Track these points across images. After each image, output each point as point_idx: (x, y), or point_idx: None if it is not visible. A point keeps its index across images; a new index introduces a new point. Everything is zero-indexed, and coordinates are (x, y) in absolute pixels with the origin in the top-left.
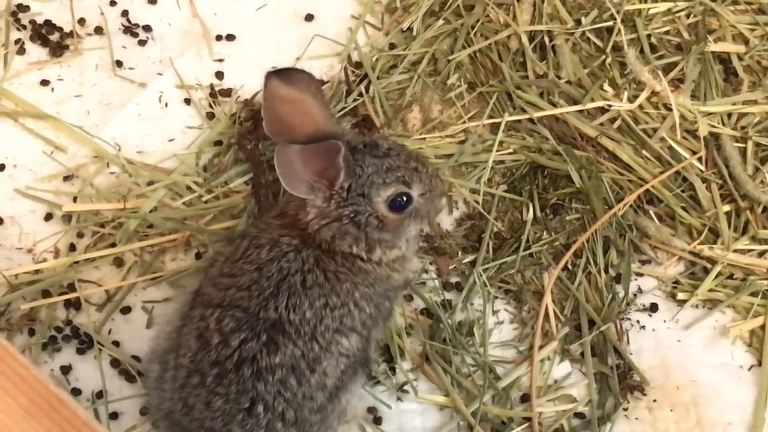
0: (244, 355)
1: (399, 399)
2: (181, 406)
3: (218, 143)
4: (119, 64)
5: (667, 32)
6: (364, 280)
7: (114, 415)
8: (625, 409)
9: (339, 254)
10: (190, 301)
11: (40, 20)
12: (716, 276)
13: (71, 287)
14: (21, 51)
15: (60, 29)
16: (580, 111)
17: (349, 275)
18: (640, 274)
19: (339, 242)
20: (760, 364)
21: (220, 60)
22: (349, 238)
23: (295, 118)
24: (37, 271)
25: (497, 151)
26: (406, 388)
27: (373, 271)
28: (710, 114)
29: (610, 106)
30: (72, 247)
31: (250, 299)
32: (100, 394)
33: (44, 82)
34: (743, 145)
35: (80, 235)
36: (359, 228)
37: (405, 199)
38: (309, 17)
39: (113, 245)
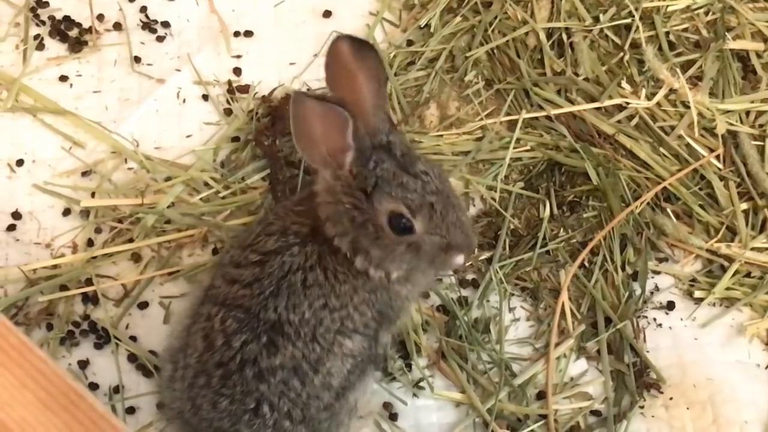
0: (246, 356)
1: (415, 395)
2: (190, 406)
3: (236, 139)
4: (137, 60)
5: (685, 30)
6: (364, 285)
7: (131, 410)
8: (642, 407)
9: (341, 252)
10: (202, 296)
11: (59, 16)
12: (733, 274)
13: (89, 282)
14: (40, 47)
15: (79, 25)
16: (597, 108)
17: (348, 277)
18: (657, 272)
19: (329, 227)
20: None
21: (238, 56)
22: (339, 228)
23: (345, 89)
24: (55, 266)
25: (514, 148)
26: (421, 384)
27: (372, 279)
28: (728, 112)
29: (627, 103)
30: (90, 243)
31: (252, 298)
32: (117, 389)
33: (63, 78)
34: (761, 143)
35: (98, 231)
36: (352, 223)
37: (406, 224)
38: (327, 13)
39: (131, 240)
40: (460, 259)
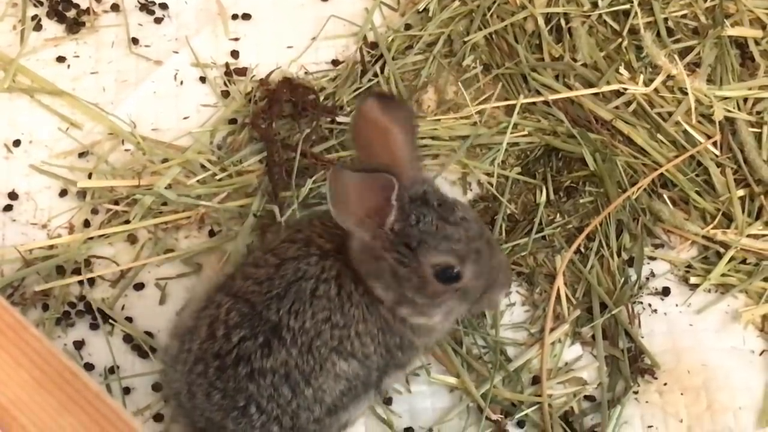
0: (242, 353)
1: (407, 381)
2: (186, 390)
3: (233, 122)
4: (135, 41)
5: (684, 16)
6: (377, 321)
7: (126, 390)
8: (636, 393)
9: (365, 283)
10: (220, 284)
11: None
12: (729, 260)
13: (86, 263)
14: (38, 27)
15: (77, 6)
16: (595, 94)
17: (362, 306)
18: (653, 258)
19: (372, 283)
20: None
21: (236, 39)
22: (382, 283)
23: (377, 147)
24: (51, 247)
25: (512, 133)
26: (416, 370)
27: (391, 321)
28: (726, 98)
29: (625, 89)
30: (86, 223)
31: (260, 295)
32: (112, 370)
33: (60, 59)
34: (759, 130)
35: (95, 212)
36: (395, 278)
37: (455, 274)
38: None
39: (127, 222)
40: (501, 297)
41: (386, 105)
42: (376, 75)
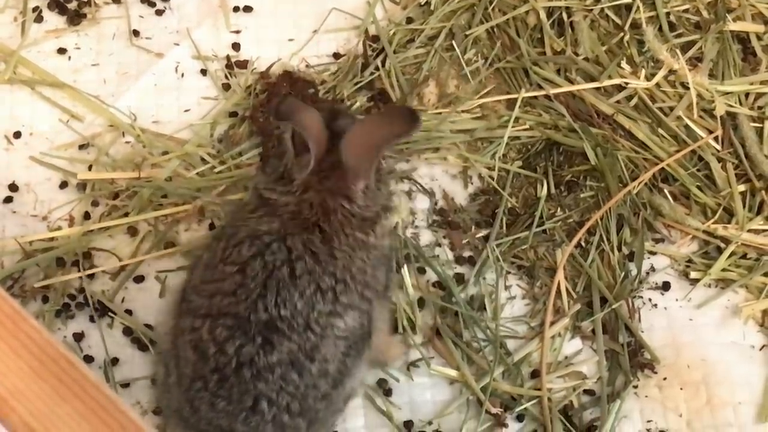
0: (242, 359)
1: (408, 369)
2: (188, 407)
3: (233, 114)
4: (136, 33)
5: (686, 11)
6: (361, 250)
7: (125, 385)
8: (635, 387)
9: (334, 233)
10: (177, 308)
11: None
12: (730, 255)
13: (86, 255)
14: (39, 19)
15: None
16: (596, 88)
17: (345, 250)
18: (653, 253)
19: (375, 209)
20: None
21: (237, 32)
22: (380, 199)
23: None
24: (51, 239)
25: (513, 127)
26: (416, 363)
27: (371, 241)
28: (727, 93)
29: (627, 83)
30: (86, 216)
31: (238, 304)
32: (112, 362)
33: (61, 51)
34: (760, 125)
35: (95, 204)
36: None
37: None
38: None
39: (127, 214)
40: None
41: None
42: (377, 68)
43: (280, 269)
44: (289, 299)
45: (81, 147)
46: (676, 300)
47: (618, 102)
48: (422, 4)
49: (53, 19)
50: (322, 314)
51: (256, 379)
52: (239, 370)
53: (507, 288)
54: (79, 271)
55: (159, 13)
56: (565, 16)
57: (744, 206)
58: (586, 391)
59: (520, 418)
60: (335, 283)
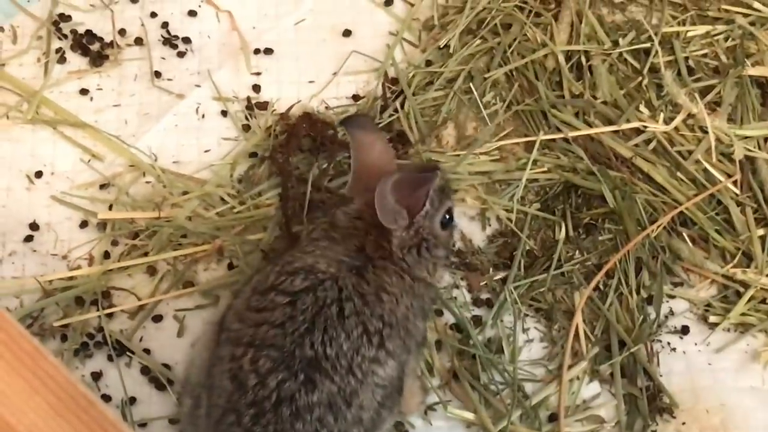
0: (283, 395)
1: (426, 413)
2: None
3: (253, 155)
4: (158, 75)
5: (704, 55)
6: (407, 296)
7: (143, 424)
8: None
9: (383, 274)
10: (215, 337)
11: (81, 30)
12: (749, 300)
13: (105, 294)
14: (62, 60)
15: (100, 39)
16: (615, 132)
17: (394, 293)
18: (672, 296)
19: (418, 268)
20: None
21: (258, 73)
22: (424, 263)
23: (372, 157)
24: (71, 278)
25: (531, 169)
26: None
27: (417, 288)
28: (746, 138)
29: (645, 127)
30: (106, 255)
31: (285, 337)
32: (130, 401)
33: (83, 91)
34: None
35: (114, 243)
36: (429, 251)
37: (449, 215)
38: (347, 33)
39: (146, 254)
40: None
41: (354, 122)
42: (396, 111)
43: (330, 307)
44: (336, 338)
45: (101, 187)
46: (695, 344)
47: (636, 145)
48: (441, 47)
49: (76, 60)
50: (366, 359)
51: (294, 418)
52: (278, 407)
53: (525, 331)
54: (98, 310)
55: (181, 54)
56: (583, 59)
57: (763, 250)
58: None
59: None
60: (382, 326)
